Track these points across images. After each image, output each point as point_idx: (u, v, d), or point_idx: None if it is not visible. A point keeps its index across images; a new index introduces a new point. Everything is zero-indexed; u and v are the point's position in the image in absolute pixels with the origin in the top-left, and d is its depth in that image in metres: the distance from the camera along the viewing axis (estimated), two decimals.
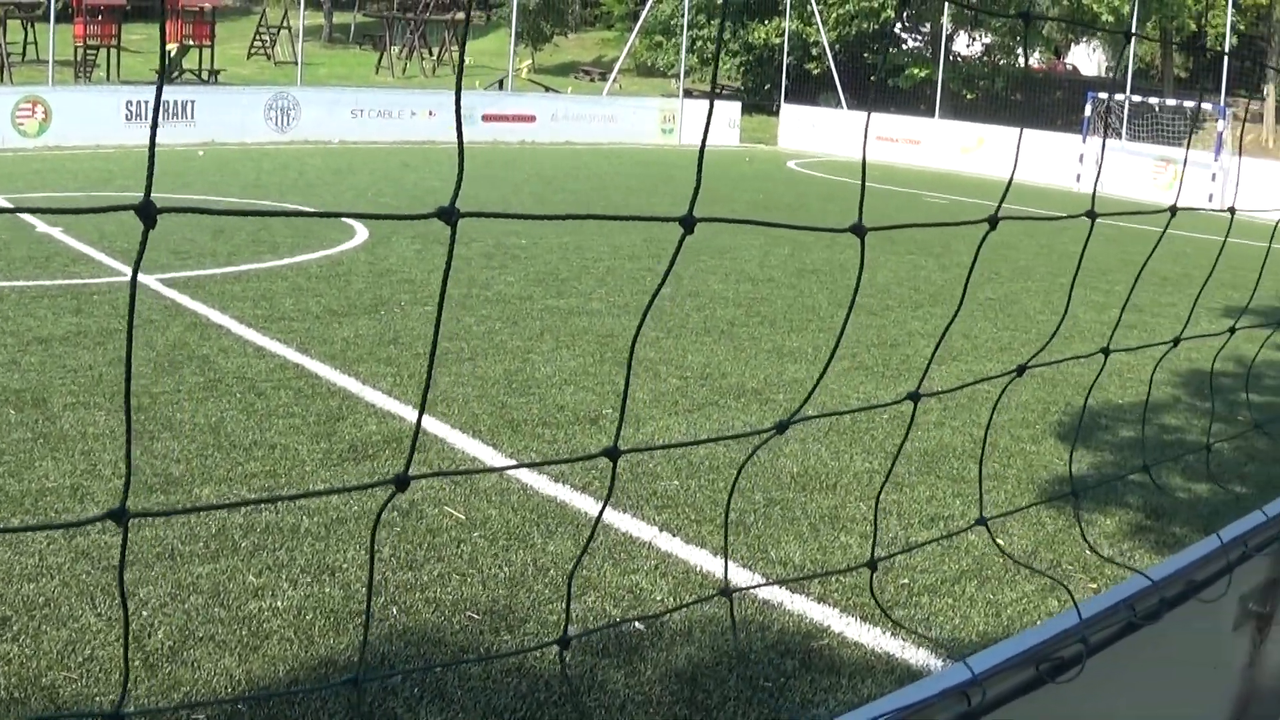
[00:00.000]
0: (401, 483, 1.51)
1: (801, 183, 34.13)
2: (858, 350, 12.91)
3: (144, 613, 6.18)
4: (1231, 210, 3.41)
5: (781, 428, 1.89)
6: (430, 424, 9.49)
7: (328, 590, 6.59)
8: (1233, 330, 3.43)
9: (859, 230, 1.99)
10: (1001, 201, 2.23)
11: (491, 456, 8.89)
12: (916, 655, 6.45)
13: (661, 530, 7.70)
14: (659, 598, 6.81)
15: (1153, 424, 11.25)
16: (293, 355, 11.15)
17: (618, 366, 11.49)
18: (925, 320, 14.84)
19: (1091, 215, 2.69)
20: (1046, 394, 11.70)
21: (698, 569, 7.23)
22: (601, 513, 3.12)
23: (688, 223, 1.65)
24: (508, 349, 11.84)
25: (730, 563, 7.36)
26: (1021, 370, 2.34)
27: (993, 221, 2.22)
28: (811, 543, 7.74)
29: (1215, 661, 2.81)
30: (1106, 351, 2.68)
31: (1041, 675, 1.97)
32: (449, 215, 1.40)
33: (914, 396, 2.06)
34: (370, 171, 27.96)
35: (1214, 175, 37.61)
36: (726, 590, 1.88)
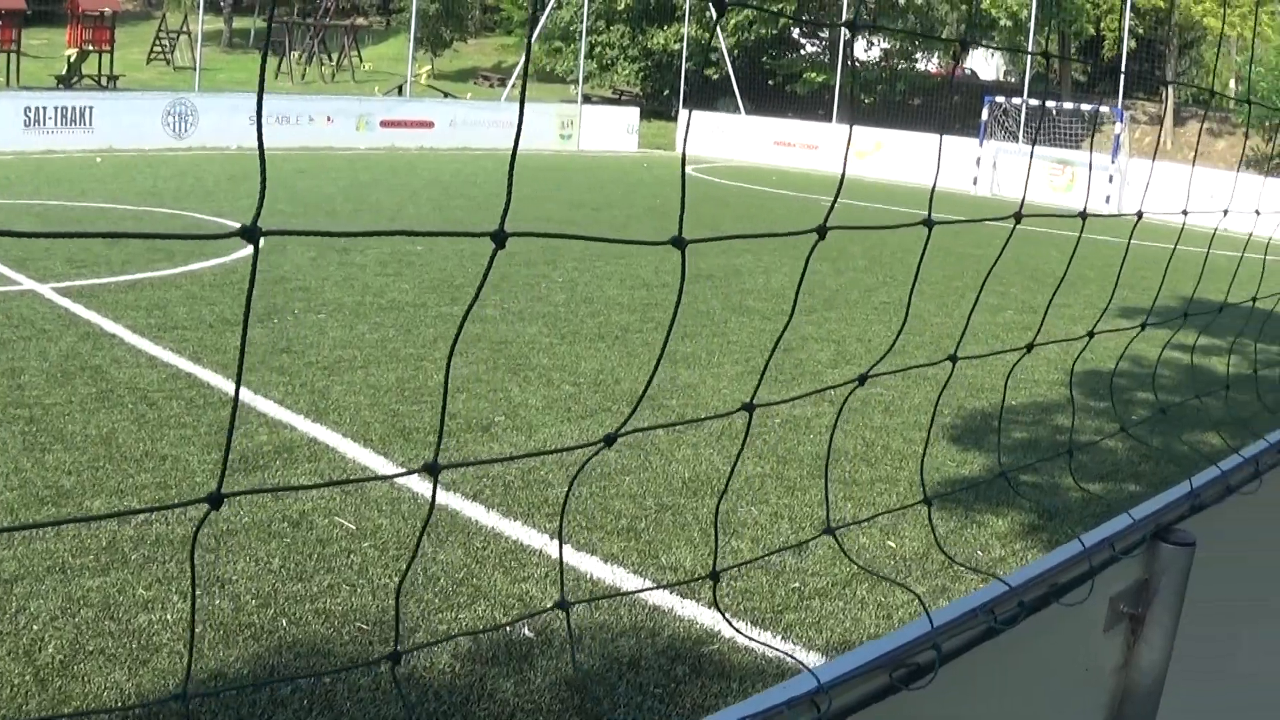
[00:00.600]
0: (608, 440, 1.50)
1: (700, 188, 34.16)
2: (751, 355, 12.95)
3: (34, 627, 6.11)
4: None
5: (609, 441, 1.89)
6: (321, 433, 9.44)
7: (218, 603, 6.53)
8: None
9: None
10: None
11: (383, 465, 8.86)
12: (808, 659, 6.47)
13: (552, 538, 7.68)
14: (549, 605, 6.80)
15: (1045, 424, 11.35)
16: (185, 365, 11.05)
17: (511, 374, 11.47)
18: (819, 325, 14.89)
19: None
20: (941, 397, 11.77)
21: (588, 576, 7.23)
22: (423, 532, 3.11)
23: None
24: (401, 357, 11.79)
25: (621, 569, 7.36)
26: (863, 379, 2.36)
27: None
28: (702, 548, 7.73)
29: (1087, 664, 2.83)
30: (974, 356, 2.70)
31: (894, 683, 1.98)
32: (251, 234, 1.38)
33: (750, 408, 2.06)
34: (267, 178, 27.74)
35: (1111, 177, 38.01)
36: (563, 604, 1.88)
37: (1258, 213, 4.01)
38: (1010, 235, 2.84)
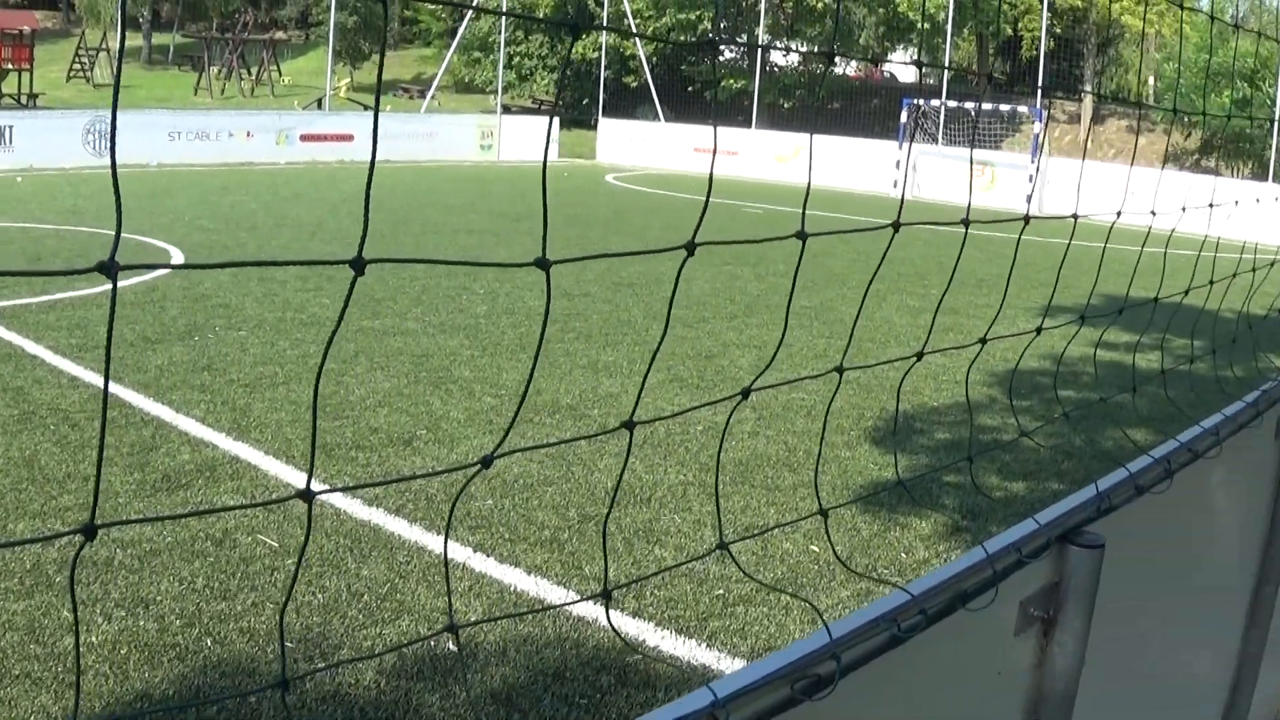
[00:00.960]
0: (485, 462, 1.52)
1: (620, 196, 34.24)
2: (673, 363, 12.98)
3: None
4: (1075, 216, 3.50)
5: (486, 462, 1.91)
6: (243, 451, 9.41)
7: (142, 624, 6.51)
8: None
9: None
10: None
11: (304, 482, 8.82)
12: (733, 667, 6.49)
13: (476, 550, 7.69)
14: (473, 619, 6.81)
15: (967, 424, 11.41)
16: None
17: (432, 387, 11.46)
18: (740, 331, 14.94)
19: (965, 222, 2.79)
20: (861, 399, 11.84)
21: (512, 588, 7.22)
22: (302, 556, 3.12)
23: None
24: (322, 372, 11.75)
25: (544, 580, 7.36)
26: (746, 393, 2.39)
27: (896, 226, 2.31)
28: (626, 558, 7.76)
29: (1000, 668, 2.86)
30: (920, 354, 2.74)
31: (796, 695, 2.00)
32: (108, 269, 1.40)
33: (629, 425, 2.09)
34: (188, 195, 27.64)
35: (1031, 177, 38.24)
36: (451, 626, 1.90)
37: (1153, 213, 4.05)
38: (964, 241, 2.88)
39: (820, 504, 2.50)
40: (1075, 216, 3.46)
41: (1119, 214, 3.72)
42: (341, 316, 1.71)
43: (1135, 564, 3.52)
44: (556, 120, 50.56)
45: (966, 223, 2.81)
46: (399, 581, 7.19)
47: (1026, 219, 3.10)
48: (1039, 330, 3.46)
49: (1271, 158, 39.78)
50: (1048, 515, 2.87)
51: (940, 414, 11.68)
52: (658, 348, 3.04)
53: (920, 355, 2.99)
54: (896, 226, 2.61)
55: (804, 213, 2.31)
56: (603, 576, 3.31)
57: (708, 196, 2.06)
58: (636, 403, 2.11)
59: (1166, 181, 32.30)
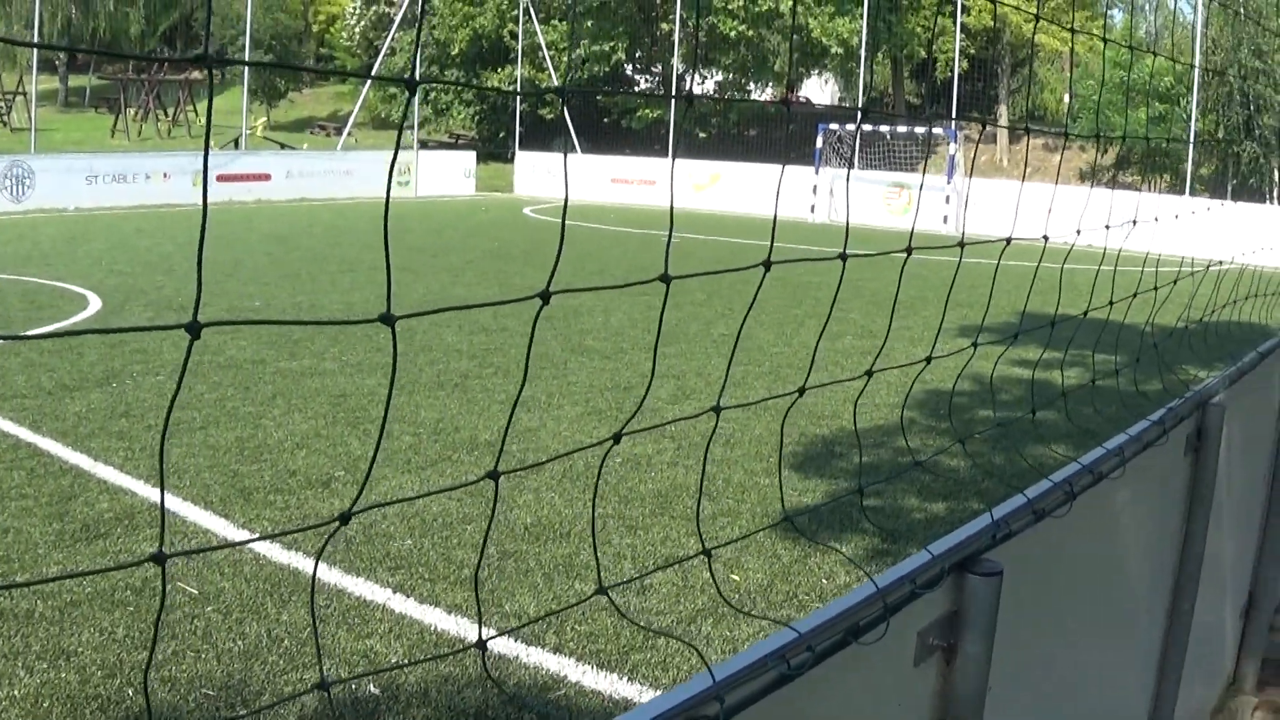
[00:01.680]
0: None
1: (537, 229, 34.27)
2: (591, 395, 13.01)
3: None
4: (1007, 240, 3.56)
5: (345, 519, 1.95)
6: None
7: (64, 675, 6.48)
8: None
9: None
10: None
11: (224, 528, 8.81)
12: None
13: (395, 591, 7.68)
14: (394, 660, 6.81)
15: (888, 447, 11.48)
16: (25, 434, 10.92)
17: (350, 428, 11.45)
18: (658, 360, 14.97)
19: (908, 250, 2.85)
20: (780, 426, 11.87)
21: (432, 628, 7.23)
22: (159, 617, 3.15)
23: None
24: (240, 415, 11.73)
25: (465, 620, 7.36)
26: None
27: (842, 257, 2.36)
28: (545, 593, 7.77)
29: (899, 700, 2.87)
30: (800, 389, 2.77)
31: None
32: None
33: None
34: (106, 239, 27.50)
35: (948, 198, 38.54)
36: (323, 684, 1.94)
37: (1078, 232, 4.13)
38: (903, 267, 2.93)
39: (703, 544, 2.54)
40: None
41: (1046, 238, 3.78)
42: (179, 381, 1.74)
43: (1039, 588, 3.53)
44: (474, 154, 50.60)
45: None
46: (319, 625, 7.19)
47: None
48: (929, 359, 3.49)
49: (1189, 171, 40.17)
50: (943, 545, 2.87)
51: (861, 437, 11.75)
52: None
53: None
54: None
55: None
56: (479, 628, 3.30)
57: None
58: (499, 453, 2.14)
59: (1084, 198, 32.55)
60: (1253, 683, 7.02)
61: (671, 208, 2.38)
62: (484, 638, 1.73)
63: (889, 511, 9.56)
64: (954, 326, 18.11)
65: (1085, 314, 4.50)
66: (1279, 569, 7.28)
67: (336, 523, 1.92)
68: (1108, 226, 4.80)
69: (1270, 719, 6.65)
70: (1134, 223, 5.22)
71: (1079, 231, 4.25)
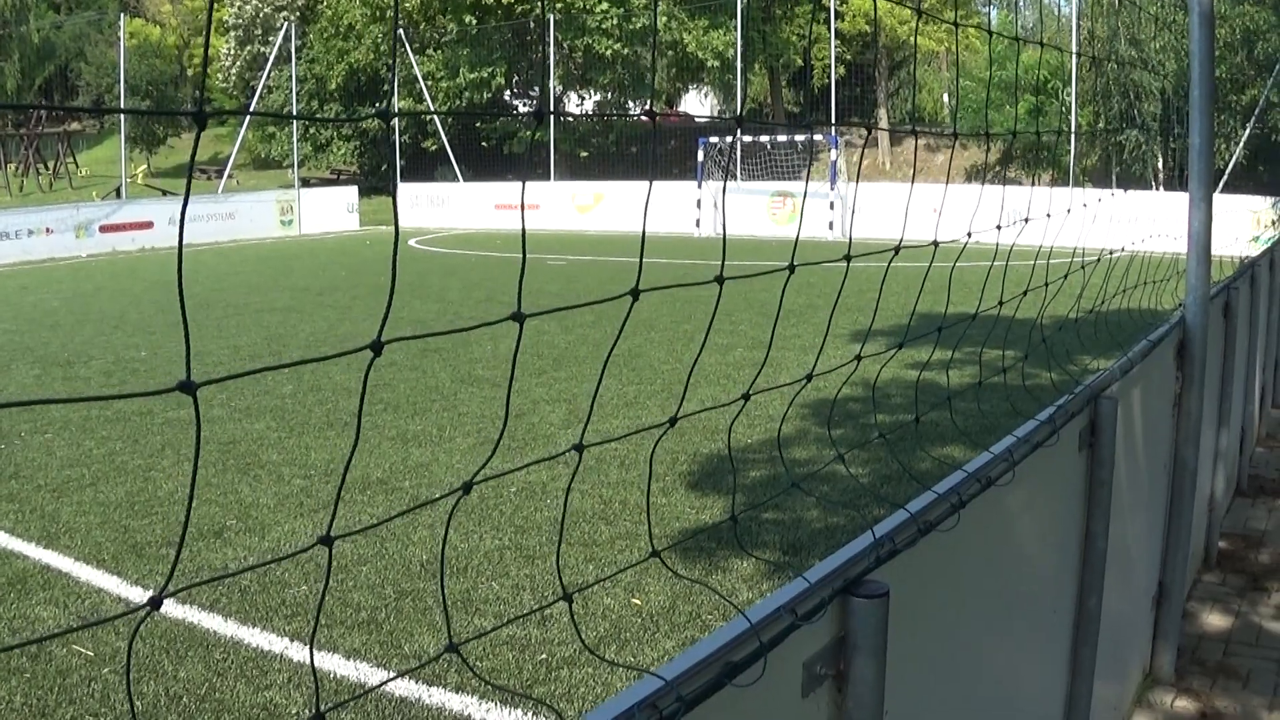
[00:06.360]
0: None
1: (423, 260, 34.17)
2: (483, 425, 12.98)
3: None
4: (935, 243, 3.56)
5: (155, 604, 1.92)
6: (53, 559, 9.24)
7: None
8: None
9: (719, 279, 2.09)
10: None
11: (117, 585, 8.70)
12: None
13: (293, 640, 7.61)
14: (294, 711, 6.75)
15: (779, 461, 11.47)
16: None
17: (241, 473, 11.33)
18: (549, 386, 14.96)
19: (791, 267, 2.83)
20: (675, 444, 11.87)
21: (332, 674, 7.15)
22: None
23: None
24: (129, 469, 11.59)
25: (364, 664, 7.31)
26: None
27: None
28: (444, 630, 7.73)
29: None
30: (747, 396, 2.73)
31: None
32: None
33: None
34: None
35: (832, 204, 38.79)
36: None
37: (969, 235, 4.15)
38: (786, 283, 2.93)
39: (564, 588, 2.52)
40: (896, 249, 3.47)
41: (936, 244, 3.78)
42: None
43: (931, 603, 3.46)
44: (355, 188, 50.42)
45: (849, 258, 2.88)
46: (216, 680, 7.10)
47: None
48: (809, 378, 3.47)
49: (1071, 163, 40.51)
50: (821, 570, 2.79)
51: (754, 450, 11.77)
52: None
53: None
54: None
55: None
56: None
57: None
58: (333, 514, 2.12)
59: (974, 197, 32.77)
60: (1170, 672, 7.07)
61: (524, 230, 2.36)
62: (321, 711, 1.60)
63: (788, 524, 9.55)
64: (846, 332, 18.20)
65: (975, 316, 4.50)
66: (1187, 556, 7.34)
67: (148, 608, 1.86)
68: (999, 227, 4.83)
69: (1191, 707, 6.69)
70: (1026, 220, 5.24)
71: (970, 234, 4.26)
